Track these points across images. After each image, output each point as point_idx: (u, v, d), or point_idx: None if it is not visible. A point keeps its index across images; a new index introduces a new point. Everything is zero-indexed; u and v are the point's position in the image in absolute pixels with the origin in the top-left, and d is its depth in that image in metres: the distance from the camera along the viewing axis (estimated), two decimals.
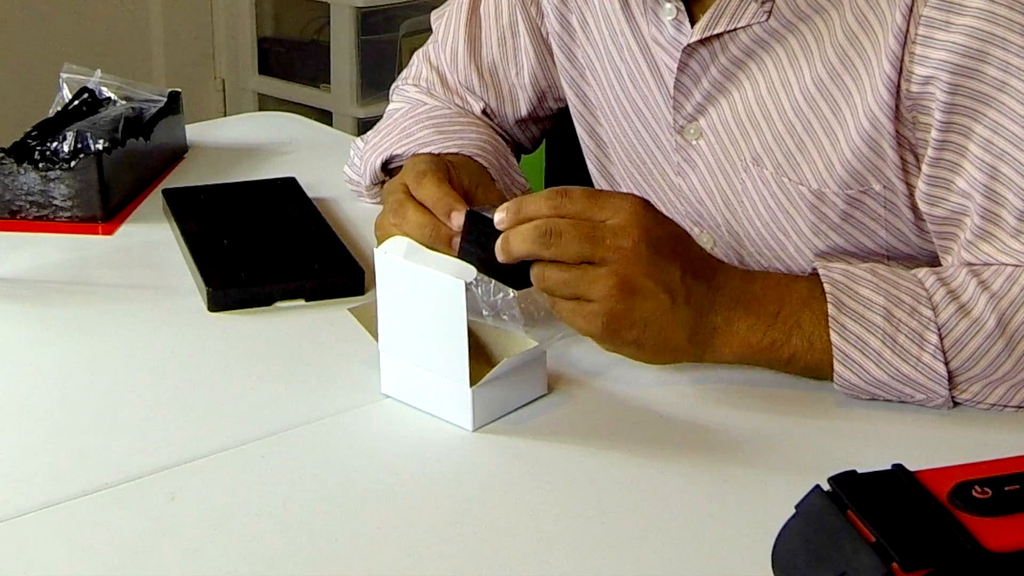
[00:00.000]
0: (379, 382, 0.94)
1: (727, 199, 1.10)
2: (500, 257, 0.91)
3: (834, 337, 0.92)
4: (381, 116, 1.28)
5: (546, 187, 1.56)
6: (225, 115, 3.42)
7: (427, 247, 0.93)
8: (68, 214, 1.25)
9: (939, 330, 0.91)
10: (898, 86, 0.97)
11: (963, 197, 0.97)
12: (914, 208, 1.02)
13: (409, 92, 1.29)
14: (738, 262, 1.12)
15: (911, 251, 1.05)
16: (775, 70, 1.04)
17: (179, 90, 1.44)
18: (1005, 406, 0.93)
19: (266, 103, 3.37)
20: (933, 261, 1.04)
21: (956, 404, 0.93)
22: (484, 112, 1.25)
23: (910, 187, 1.01)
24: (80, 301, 1.10)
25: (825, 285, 0.93)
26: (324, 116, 3.11)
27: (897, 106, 0.98)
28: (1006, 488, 0.65)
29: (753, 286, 0.94)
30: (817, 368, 0.93)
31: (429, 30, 1.31)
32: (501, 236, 0.91)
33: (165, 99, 1.41)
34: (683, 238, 0.94)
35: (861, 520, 0.63)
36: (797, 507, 0.67)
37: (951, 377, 0.91)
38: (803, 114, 1.03)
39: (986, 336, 0.91)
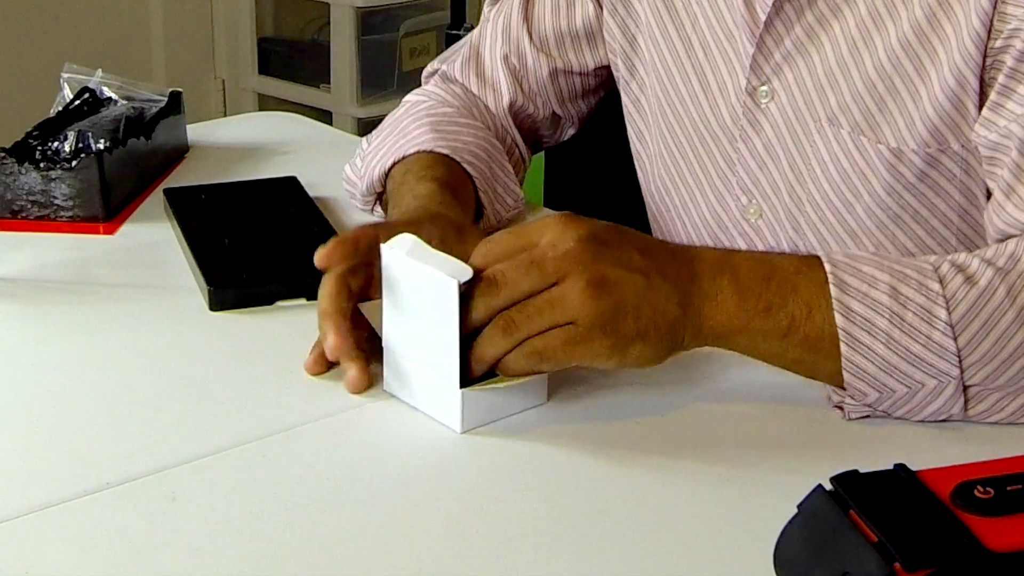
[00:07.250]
0: (381, 380, 0.94)
1: (792, 162, 1.09)
2: (477, 368, 0.87)
3: (839, 319, 0.87)
4: (381, 116, 1.28)
5: (544, 201, 1.56)
6: (225, 115, 3.42)
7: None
8: (69, 214, 1.24)
9: (947, 304, 0.87)
10: (987, 45, 0.97)
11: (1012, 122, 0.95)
12: None
13: (426, 87, 1.29)
14: (793, 229, 1.10)
15: (981, 216, 1.03)
16: (859, 28, 1.04)
17: (180, 90, 1.44)
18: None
19: (266, 103, 3.37)
20: None
21: (968, 411, 0.89)
22: (511, 104, 1.25)
23: None
24: (81, 301, 1.10)
25: (826, 265, 0.88)
26: (324, 116, 3.12)
27: (984, 64, 0.98)
28: (1008, 488, 0.65)
29: (735, 257, 0.90)
30: (818, 341, 0.88)
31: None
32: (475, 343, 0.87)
33: (166, 99, 1.41)
34: (622, 228, 0.89)
35: (863, 520, 0.63)
36: (799, 507, 0.67)
37: (960, 357, 0.87)
38: (885, 73, 1.03)
39: (996, 306, 0.87)
